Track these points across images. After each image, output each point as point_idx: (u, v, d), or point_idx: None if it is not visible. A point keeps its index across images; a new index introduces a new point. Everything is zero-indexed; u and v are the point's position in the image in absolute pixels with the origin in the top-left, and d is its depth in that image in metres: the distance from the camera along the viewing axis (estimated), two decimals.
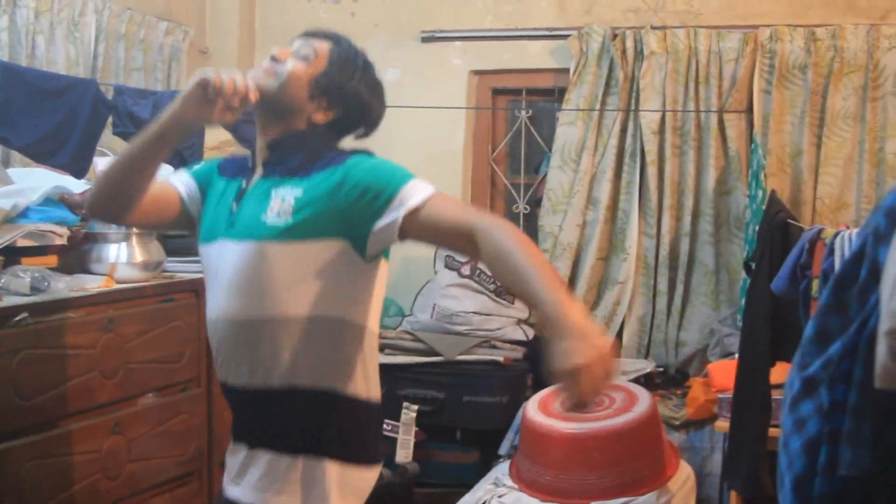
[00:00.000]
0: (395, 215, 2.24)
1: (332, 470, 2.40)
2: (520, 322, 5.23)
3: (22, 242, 3.37)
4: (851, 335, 1.83)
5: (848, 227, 3.77)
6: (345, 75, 2.45)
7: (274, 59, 2.42)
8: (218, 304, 2.44)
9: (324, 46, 2.46)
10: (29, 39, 4.30)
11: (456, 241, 2.28)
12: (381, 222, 2.26)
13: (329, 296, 2.35)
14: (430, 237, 2.31)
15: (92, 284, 3.48)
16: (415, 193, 2.25)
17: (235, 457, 2.51)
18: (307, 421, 2.41)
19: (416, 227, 2.25)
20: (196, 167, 2.71)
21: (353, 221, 2.29)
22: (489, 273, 4.38)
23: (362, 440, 2.48)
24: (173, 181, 2.63)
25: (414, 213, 2.23)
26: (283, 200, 2.34)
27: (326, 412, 2.41)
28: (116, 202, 2.52)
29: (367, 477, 2.50)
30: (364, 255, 2.33)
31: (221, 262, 2.42)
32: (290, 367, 2.37)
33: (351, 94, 2.46)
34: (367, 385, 2.46)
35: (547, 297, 1.99)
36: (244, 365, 2.41)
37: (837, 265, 3.50)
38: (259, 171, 2.46)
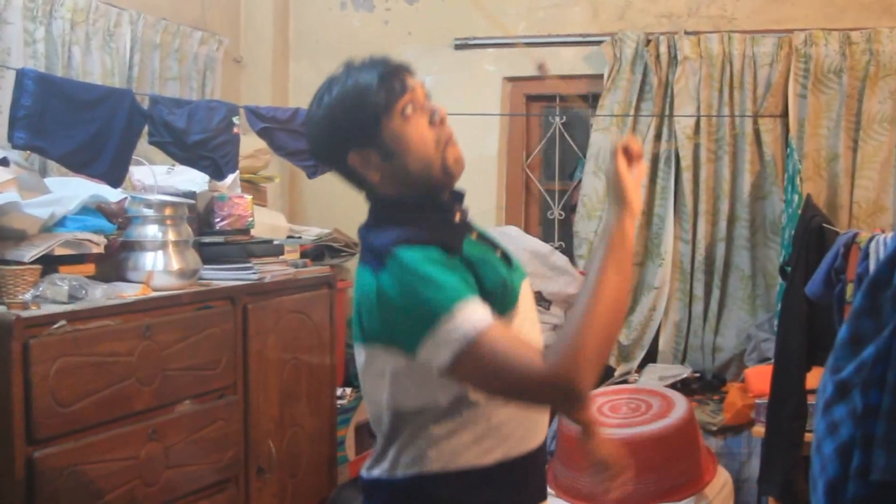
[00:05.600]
0: None
1: None
2: (555, 328, 5.22)
3: (59, 251, 3.40)
4: (885, 339, 1.81)
5: (883, 231, 3.75)
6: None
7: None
8: None
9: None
10: (65, 50, 4.35)
11: None
12: None
13: None
14: None
15: (129, 292, 3.50)
16: None
17: None
18: None
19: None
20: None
21: None
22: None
23: None
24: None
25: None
26: None
27: None
28: None
29: None
30: None
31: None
32: None
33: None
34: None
35: None
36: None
37: (872, 269, 3.48)
38: None
